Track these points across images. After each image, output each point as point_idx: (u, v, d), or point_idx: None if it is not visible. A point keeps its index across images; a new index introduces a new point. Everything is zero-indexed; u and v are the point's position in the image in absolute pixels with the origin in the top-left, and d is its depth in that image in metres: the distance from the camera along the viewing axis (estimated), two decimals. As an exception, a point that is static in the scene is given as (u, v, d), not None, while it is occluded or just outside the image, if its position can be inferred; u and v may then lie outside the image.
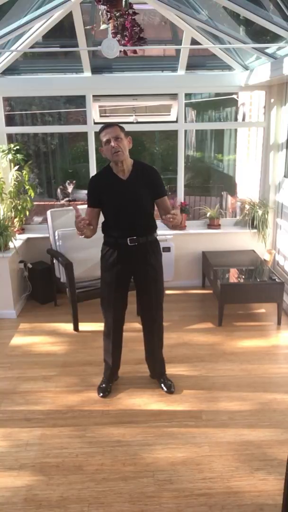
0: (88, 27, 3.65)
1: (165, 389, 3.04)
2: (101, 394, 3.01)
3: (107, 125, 2.65)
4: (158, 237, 2.89)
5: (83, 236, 2.67)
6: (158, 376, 3.13)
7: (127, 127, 2.80)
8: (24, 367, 3.39)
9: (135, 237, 2.72)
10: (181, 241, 4.70)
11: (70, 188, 6.81)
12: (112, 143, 2.59)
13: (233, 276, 4.30)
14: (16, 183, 4.51)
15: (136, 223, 2.73)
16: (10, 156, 4.51)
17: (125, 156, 2.65)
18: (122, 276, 2.83)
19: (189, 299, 4.60)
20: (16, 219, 4.60)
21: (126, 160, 2.68)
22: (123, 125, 2.69)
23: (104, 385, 3.06)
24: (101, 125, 2.71)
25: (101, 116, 6.33)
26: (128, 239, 2.71)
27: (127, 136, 2.67)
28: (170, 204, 2.82)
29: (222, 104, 8.11)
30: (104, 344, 3.05)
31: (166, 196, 2.83)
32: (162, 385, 3.07)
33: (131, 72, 4.60)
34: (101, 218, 2.84)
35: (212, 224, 4.81)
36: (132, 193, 2.69)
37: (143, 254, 2.78)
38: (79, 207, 2.65)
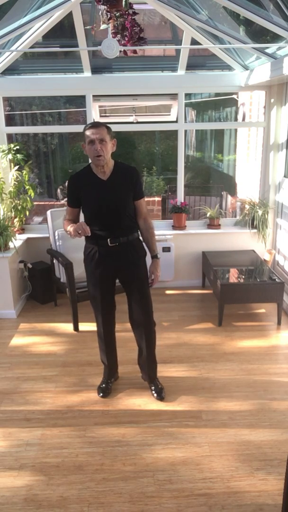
0: (88, 27, 3.65)
1: (155, 395, 2.96)
2: (101, 394, 3.00)
3: (94, 125, 2.57)
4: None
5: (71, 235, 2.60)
6: (148, 379, 3.05)
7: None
8: (24, 367, 3.39)
9: (115, 238, 2.68)
10: (181, 241, 4.70)
11: (70, 188, 6.80)
12: (96, 146, 2.51)
13: (233, 276, 4.29)
14: (16, 183, 4.52)
15: (115, 224, 2.67)
16: (10, 156, 4.51)
17: (107, 160, 2.58)
18: (106, 276, 2.79)
19: (189, 299, 4.60)
20: (16, 219, 4.61)
21: (108, 163, 2.62)
22: (110, 125, 2.62)
23: (104, 385, 3.06)
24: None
25: (101, 116, 6.34)
26: (108, 239, 2.67)
27: (112, 139, 2.60)
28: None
29: (222, 104, 8.12)
30: (99, 344, 3.05)
31: (143, 198, 2.79)
32: (153, 391, 2.99)
33: (131, 72, 4.60)
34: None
35: (212, 224, 4.81)
36: (112, 193, 2.63)
37: (125, 254, 2.73)
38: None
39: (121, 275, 2.83)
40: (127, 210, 2.70)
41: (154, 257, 2.81)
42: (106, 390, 3.02)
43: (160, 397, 2.94)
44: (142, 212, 2.79)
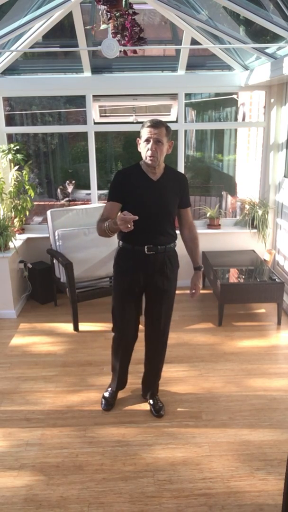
0: (88, 27, 3.65)
1: (155, 413, 2.81)
2: (105, 407, 2.88)
3: (153, 124, 2.41)
4: None
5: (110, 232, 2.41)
6: (149, 396, 2.91)
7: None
8: (24, 367, 3.39)
9: (153, 245, 2.53)
10: (181, 241, 4.67)
11: (70, 188, 6.81)
12: (151, 146, 2.40)
13: (233, 276, 4.29)
14: (16, 183, 4.52)
15: (157, 228, 2.53)
16: (10, 156, 4.51)
17: (159, 162, 2.46)
18: (136, 287, 2.63)
19: (189, 299, 4.56)
20: (16, 219, 4.61)
21: (160, 165, 2.51)
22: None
23: (109, 394, 2.94)
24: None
25: (101, 116, 6.32)
26: (146, 246, 2.52)
27: (169, 141, 2.48)
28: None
29: (222, 104, 8.11)
30: (112, 357, 2.89)
31: (190, 208, 2.69)
32: (152, 408, 2.84)
33: (131, 72, 4.60)
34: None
35: (212, 224, 4.81)
36: (160, 195, 2.51)
37: (160, 265, 2.58)
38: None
39: (150, 286, 2.65)
40: (171, 216, 2.59)
41: (197, 268, 2.70)
42: (111, 402, 2.90)
43: (159, 415, 2.80)
44: (188, 222, 2.70)
